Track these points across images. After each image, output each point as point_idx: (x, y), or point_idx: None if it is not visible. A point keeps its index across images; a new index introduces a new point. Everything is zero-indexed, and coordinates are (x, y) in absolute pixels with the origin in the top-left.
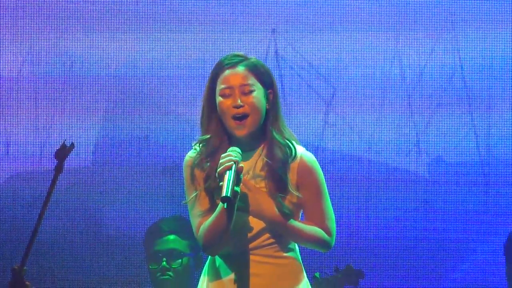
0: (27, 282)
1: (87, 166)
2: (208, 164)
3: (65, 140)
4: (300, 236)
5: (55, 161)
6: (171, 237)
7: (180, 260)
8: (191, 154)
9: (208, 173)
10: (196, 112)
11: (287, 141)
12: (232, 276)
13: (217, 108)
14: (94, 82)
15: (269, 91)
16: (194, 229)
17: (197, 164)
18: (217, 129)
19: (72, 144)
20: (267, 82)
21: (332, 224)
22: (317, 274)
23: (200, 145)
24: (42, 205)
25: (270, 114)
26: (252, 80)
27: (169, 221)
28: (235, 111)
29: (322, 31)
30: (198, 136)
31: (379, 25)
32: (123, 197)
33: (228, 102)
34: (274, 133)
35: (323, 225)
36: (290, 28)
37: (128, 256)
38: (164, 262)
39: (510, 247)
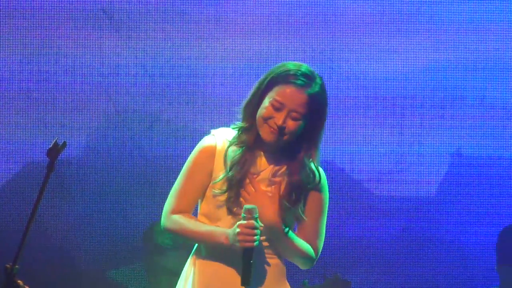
0: (19, 281)
1: (83, 163)
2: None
3: (57, 138)
4: (291, 248)
5: (47, 159)
6: (172, 253)
7: None
8: (212, 141)
9: (234, 161)
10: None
11: (314, 169)
12: (220, 266)
13: (259, 108)
14: (89, 81)
15: (318, 121)
16: (169, 208)
17: (227, 150)
18: (254, 123)
19: (64, 142)
20: (318, 115)
21: (321, 243)
22: (305, 282)
23: (239, 131)
24: (34, 203)
25: (307, 139)
26: (305, 110)
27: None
28: (273, 125)
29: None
30: (237, 122)
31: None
32: (119, 196)
33: (273, 114)
34: (305, 156)
35: (313, 243)
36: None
37: (125, 257)
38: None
39: (502, 246)
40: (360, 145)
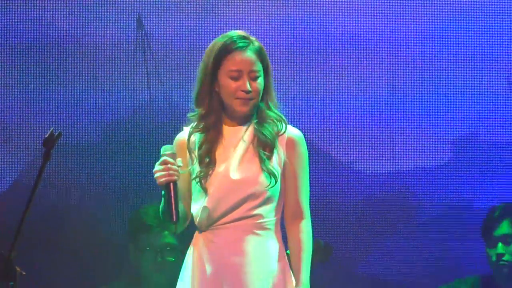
0: (17, 268)
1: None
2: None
3: (53, 128)
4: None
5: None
6: (164, 232)
7: (175, 254)
8: (182, 136)
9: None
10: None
11: (278, 115)
12: (213, 254)
13: (221, 86)
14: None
15: (269, 71)
16: None
17: (189, 138)
18: (216, 106)
19: (60, 132)
20: (266, 65)
21: (307, 201)
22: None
23: (195, 123)
24: (31, 191)
25: (265, 91)
26: (258, 66)
27: (153, 215)
28: (243, 95)
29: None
30: (192, 112)
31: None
32: (114, 189)
33: (236, 84)
34: (267, 109)
35: (298, 204)
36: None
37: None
38: (160, 259)
39: (488, 229)
40: (359, 134)
